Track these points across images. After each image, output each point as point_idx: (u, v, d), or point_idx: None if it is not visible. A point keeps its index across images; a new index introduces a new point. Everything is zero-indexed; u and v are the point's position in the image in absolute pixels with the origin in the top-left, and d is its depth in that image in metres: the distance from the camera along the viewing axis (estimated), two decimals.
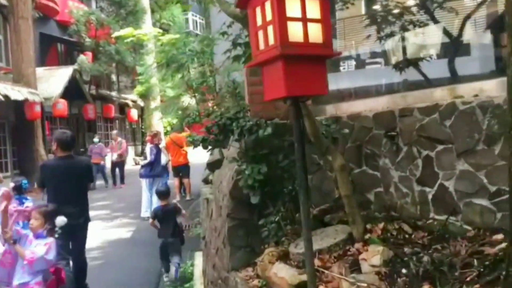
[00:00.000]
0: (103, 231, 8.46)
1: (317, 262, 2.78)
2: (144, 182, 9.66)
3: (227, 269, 3.60)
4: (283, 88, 2.21)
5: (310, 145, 3.09)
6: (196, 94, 9.07)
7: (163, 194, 5.91)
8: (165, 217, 5.70)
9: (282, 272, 2.89)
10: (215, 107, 8.36)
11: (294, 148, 2.40)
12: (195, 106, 9.36)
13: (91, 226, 5.06)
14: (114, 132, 14.06)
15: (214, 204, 4.31)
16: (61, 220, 3.66)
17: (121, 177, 14.12)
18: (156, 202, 9.46)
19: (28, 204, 5.18)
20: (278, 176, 3.52)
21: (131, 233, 8.34)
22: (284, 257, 3.13)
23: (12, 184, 5.21)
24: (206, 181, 5.92)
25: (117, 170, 14.10)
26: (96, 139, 14.48)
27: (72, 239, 4.62)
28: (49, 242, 3.64)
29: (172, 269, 5.57)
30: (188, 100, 9.98)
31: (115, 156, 13.96)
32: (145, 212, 9.42)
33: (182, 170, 10.73)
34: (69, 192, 4.59)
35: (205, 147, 3.69)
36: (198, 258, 6.29)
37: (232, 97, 6.87)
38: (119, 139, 14.01)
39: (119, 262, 6.47)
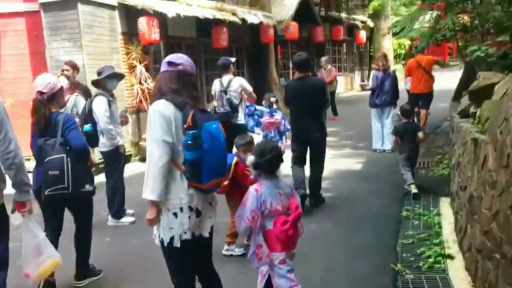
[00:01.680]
0: (332, 160, 7.99)
1: None
2: (372, 112, 8.73)
3: None
4: None
5: None
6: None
7: (406, 112, 6.13)
8: (405, 135, 5.99)
9: None
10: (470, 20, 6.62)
11: None
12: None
13: None
14: (323, 58, 12.92)
15: (490, 148, 3.09)
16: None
17: (333, 108, 12.66)
18: (387, 134, 8.51)
19: (277, 116, 6.48)
20: None
21: (360, 166, 7.69)
22: None
23: (270, 98, 6.74)
24: (464, 114, 4.59)
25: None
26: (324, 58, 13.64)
27: (312, 152, 5.37)
28: None
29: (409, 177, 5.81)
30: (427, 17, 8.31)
31: None
32: (377, 144, 8.57)
33: (424, 98, 9.19)
34: (306, 108, 5.22)
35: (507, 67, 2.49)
36: (445, 207, 5.20)
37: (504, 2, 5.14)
38: (329, 66, 13.01)
39: (351, 197, 5.89)
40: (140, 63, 9.56)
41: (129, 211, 5.46)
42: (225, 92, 6.40)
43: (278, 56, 15.10)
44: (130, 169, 8.61)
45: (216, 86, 6.60)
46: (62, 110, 3.69)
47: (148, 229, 4.88)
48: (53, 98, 3.50)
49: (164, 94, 2.49)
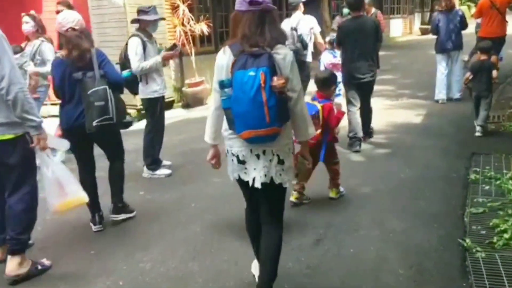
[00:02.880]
0: (387, 111, 7.31)
1: None
2: (437, 58, 7.79)
3: None
4: None
5: None
6: None
7: (486, 48, 5.98)
8: (480, 71, 5.85)
9: None
10: None
11: None
12: None
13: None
14: (367, 0, 11.31)
15: None
16: None
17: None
18: (456, 82, 7.62)
19: (339, 57, 6.10)
20: None
21: (420, 118, 6.92)
22: None
23: (327, 39, 7.08)
24: None
25: None
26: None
27: (362, 93, 5.47)
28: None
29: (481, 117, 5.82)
30: None
31: None
32: (439, 94, 7.71)
33: (495, 43, 8.07)
34: (358, 49, 5.28)
35: None
36: None
37: None
38: (373, 9, 11.51)
39: (409, 155, 5.24)
40: (183, 2, 8.96)
41: (165, 162, 5.12)
42: (296, 29, 6.55)
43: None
44: (172, 116, 8.32)
45: (285, 24, 6.59)
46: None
47: (183, 184, 4.72)
48: (85, 34, 3.54)
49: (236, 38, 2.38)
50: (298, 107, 2.37)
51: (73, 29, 3.47)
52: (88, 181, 3.63)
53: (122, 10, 7.98)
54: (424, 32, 20.90)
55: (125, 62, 4.65)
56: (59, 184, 3.03)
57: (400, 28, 20.90)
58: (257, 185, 2.41)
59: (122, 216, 3.85)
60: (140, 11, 4.73)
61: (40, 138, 2.85)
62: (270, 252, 2.52)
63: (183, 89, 9.26)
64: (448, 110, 7.22)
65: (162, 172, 4.89)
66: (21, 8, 9.15)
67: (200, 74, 9.44)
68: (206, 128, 2.55)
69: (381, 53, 11.85)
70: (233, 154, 2.47)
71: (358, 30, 5.26)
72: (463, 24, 7.48)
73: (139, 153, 5.02)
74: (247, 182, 2.45)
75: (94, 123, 3.39)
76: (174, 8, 9.04)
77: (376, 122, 6.29)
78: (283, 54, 2.32)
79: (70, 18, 3.50)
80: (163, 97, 4.93)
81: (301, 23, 6.60)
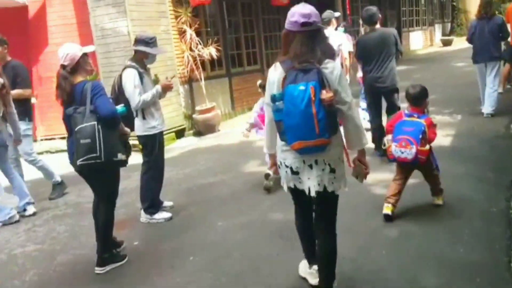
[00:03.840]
0: None
1: None
2: (475, 69, 7.23)
3: None
4: None
5: None
6: None
7: None
8: None
9: None
10: None
11: None
12: None
13: None
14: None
15: None
16: None
17: None
18: (488, 95, 7.00)
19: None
20: None
21: (448, 139, 6.22)
22: None
23: None
24: None
25: None
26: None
27: (387, 103, 5.54)
28: None
29: None
30: None
31: None
32: (489, 108, 7.05)
33: None
34: (377, 60, 5.39)
35: None
36: None
37: None
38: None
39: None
40: (190, 27, 8.63)
41: (166, 203, 4.65)
42: None
43: (347, 12, 13.51)
44: (182, 145, 7.92)
45: None
46: None
47: (184, 230, 4.23)
48: (77, 68, 3.38)
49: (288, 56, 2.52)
50: (349, 118, 2.51)
51: (63, 66, 3.36)
52: (98, 216, 3.54)
53: (127, 38, 7.67)
54: (445, 43, 20.18)
55: (118, 96, 4.25)
56: None
57: (420, 40, 20.25)
58: (313, 194, 2.55)
59: (108, 268, 3.50)
60: (140, 41, 4.30)
61: None
62: (328, 258, 2.69)
63: (194, 116, 8.87)
64: (479, 128, 6.57)
65: (161, 216, 4.41)
66: (26, 40, 9.02)
67: (211, 100, 9.04)
68: (265, 139, 2.78)
69: (401, 67, 11.21)
70: (286, 166, 2.60)
71: (376, 43, 5.38)
72: (503, 33, 6.88)
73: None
74: (302, 190, 2.60)
75: (79, 162, 3.24)
76: (182, 33, 8.72)
77: None
78: (331, 68, 2.46)
79: (60, 54, 3.38)
80: (161, 132, 4.49)
81: (330, 39, 6.37)
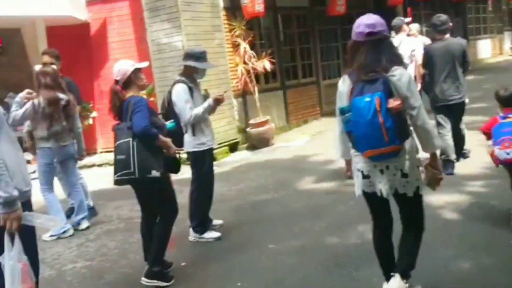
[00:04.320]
0: (483, 150, 6.09)
1: None
2: None
3: None
4: None
5: None
6: None
7: None
8: None
9: None
10: None
11: None
12: None
13: None
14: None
15: None
16: None
17: None
18: None
19: None
20: None
21: None
22: None
23: None
24: None
25: None
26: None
27: (449, 115, 5.31)
28: None
29: None
30: None
31: None
32: None
33: None
34: (445, 71, 5.19)
35: None
36: None
37: None
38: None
39: None
40: (244, 40, 8.55)
41: (216, 221, 4.48)
42: None
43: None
44: (235, 159, 7.79)
45: None
46: None
47: (233, 251, 4.02)
48: (129, 83, 3.41)
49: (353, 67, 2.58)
50: (419, 122, 2.51)
51: (115, 81, 3.42)
52: (144, 231, 3.60)
53: (181, 53, 7.64)
54: None
55: (168, 111, 4.17)
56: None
57: (488, 49, 19.07)
58: (385, 195, 2.58)
59: (154, 283, 3.40)
60: (190, 55, 4.22)
61: (8, 218, 2.30)
62: (408, 247, 2.71)
63: (248, 129, 8.73)
64: None
65: (211, 235, 4.23)
66: (89, 56, 9.35)
67: (265, 113, 8.88)
68: (338, 147, 2.79)
69: (469, 77, 10.50)
70: (358, 170, 2.66)
71: (443, 54, 5.21)
72: None
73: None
74: (373, 194, 2.63)
75: (115, 177, 3.31)
76: (235, 46, 8.65)
77: (470, 163, 5.35)
78: (399, 75, 2.47)
79: (114, 69, 3.45)
80: (211, 149, 4.35)
81: (402, 45, 6.40)
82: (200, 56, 4.20)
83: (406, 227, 2.73)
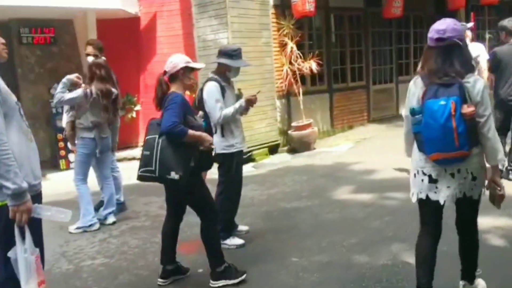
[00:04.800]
0: None
1: None
2: None
3: None
4: None
5: None
6: None
7: None
8: None
9: None
10: None
11: None
12: None
13: None
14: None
15: None
16: None
17: None
18: None
19: None
20: None
21: None
22: None
23: None
24: None
25: None
26: None
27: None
28: None
29: None
30: None
31: None
32: None
33: None
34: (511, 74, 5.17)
35: None
36: None
37: None
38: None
39: None
40: (291, 39, 8.30)
41: (242, 227, 4.29)
42: None
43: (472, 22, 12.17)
44: (274, 162, 7.57)
45: None
46: None
47: (254, 262, 3.72)
48: (175, 77, 3.30)
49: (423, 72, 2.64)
50: (484, 130, 2.50)
51: (164, 71, 3.34)
52: (165, 229, 3.53)
53: None
54: None
55: (198, 109, 4.02)
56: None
57: None
58: (449, 202, 2.59)
59: (221, 283, 3.31)
60: (223, 53, 4.04)
61: (17, 210, 2.21)
62: (470, 251, 2.79)
63: (289, 132, 8.48)
64: None
65: (233, 242, 4.04)
66: (138, 49, 9.45)
67: (308, 116, 8.59)
68: (405, 146, 2.82)
69: None
70: (424, 174, 2.62)
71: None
72: None
73: None
74: (435, 201, 2.61)
75: (138, 173, 3.20)
76: (283, 45, 8.42)
77: None
78: (473, 82, 2.49)
79: (168, 60, 3.36)
80: (240, 151, 4.16)
81: None
82: (233, 54, 4.02)
83: (463, 233, 2.80)
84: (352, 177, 6.08)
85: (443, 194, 2.57)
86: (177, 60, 3.31)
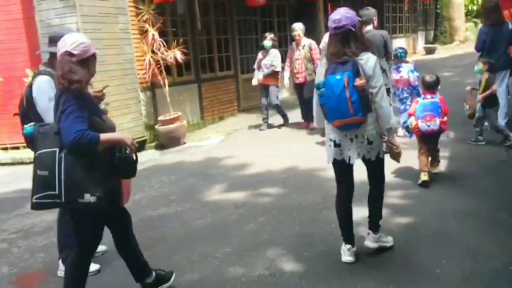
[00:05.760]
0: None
1: None
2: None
3: None
4: None
5: None
6: None
7: None
8: None
9: None
10: None
11: None
12: None
13: None
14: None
15: None
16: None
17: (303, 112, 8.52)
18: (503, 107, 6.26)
19: (403, 73, 6.25)
20: None
21: (444, 163, 5.41)
22: None
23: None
24: None
25: None
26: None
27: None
28: None
29: None
30: None
31: None
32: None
33: None
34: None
35: None
36: None
37: None
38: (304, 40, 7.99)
39: (442, 233, 3.73)
40: (152, 26, 7.62)
41: (101, 247, 3.64)
42: None
43: (329, 13, 12.75)
44: (140, 161, 6.82)
45: None
46: None
47: None
48: (85, 64, 2.60)
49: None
50: (377, 99, 3.00)
51: (70, 53, 2.58)
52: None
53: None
54: (428, 51, 19.56)
55: (27, 111, 3.26)
56: None
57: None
58: (352, 161, 3.10)
59: None
60: (54, 40, 3.21)
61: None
62: (376, 199, 3.30)
63: (156, 126, 7.85)
64: (476, 150, 5.75)
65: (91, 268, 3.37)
66: None
67: (176, 109, 8.04)
68: (314, 116, 3.33)
69: None
70: (331, 140, 3.14)
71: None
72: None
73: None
74: (342, 161, 3.12)
75: (33, 199, 2.50)
76: (143, 33, 7.71)
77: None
78: (365, 59, 2.99)
79: (70, 40, 2.62)
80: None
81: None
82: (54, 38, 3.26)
83: (372, 183, 3.27)
84: (223, 174, 5.74)
85: (346, 155, 3.07)
86: (89, 42, 2.63)
